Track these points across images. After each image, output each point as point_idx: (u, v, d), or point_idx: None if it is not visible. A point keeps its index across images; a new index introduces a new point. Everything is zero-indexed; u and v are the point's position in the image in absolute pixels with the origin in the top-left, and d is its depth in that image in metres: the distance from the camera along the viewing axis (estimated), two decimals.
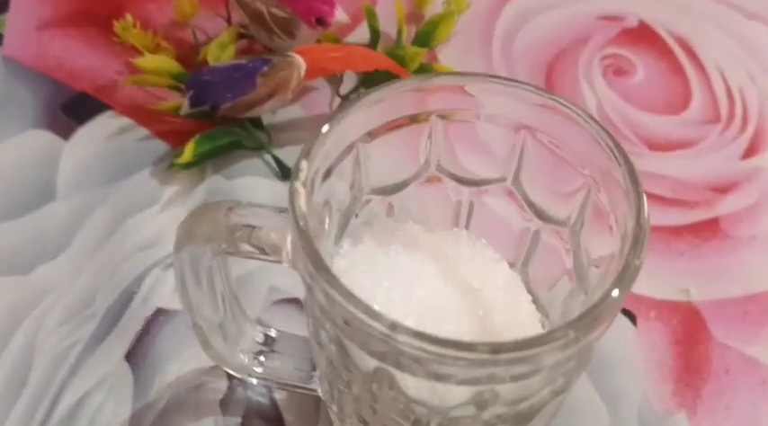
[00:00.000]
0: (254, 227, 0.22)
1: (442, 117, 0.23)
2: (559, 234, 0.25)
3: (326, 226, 0.23)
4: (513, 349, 0.18)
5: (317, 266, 0.19)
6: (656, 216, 0.37)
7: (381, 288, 0.22)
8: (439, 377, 0.18)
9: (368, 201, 0.25)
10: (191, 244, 0.23)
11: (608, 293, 0.19)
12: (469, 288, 0.24)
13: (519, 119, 0.23)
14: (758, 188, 0.38)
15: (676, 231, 0.36)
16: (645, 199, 0.21)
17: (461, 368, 0.18)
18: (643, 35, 0.43)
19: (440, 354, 0.17)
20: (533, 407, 0.21)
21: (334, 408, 0.24)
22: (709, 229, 0.36)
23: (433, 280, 0.23)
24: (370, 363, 0.20)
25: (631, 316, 0.33)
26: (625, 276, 0.19)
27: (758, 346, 0.33)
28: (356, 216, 0.25)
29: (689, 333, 0.33)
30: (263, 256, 0.22)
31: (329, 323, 0.19)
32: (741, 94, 0.41)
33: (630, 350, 0.33)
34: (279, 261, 0.22)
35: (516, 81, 0.22)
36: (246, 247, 0.22)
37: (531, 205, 0.25)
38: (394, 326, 0.18)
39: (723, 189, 0.38)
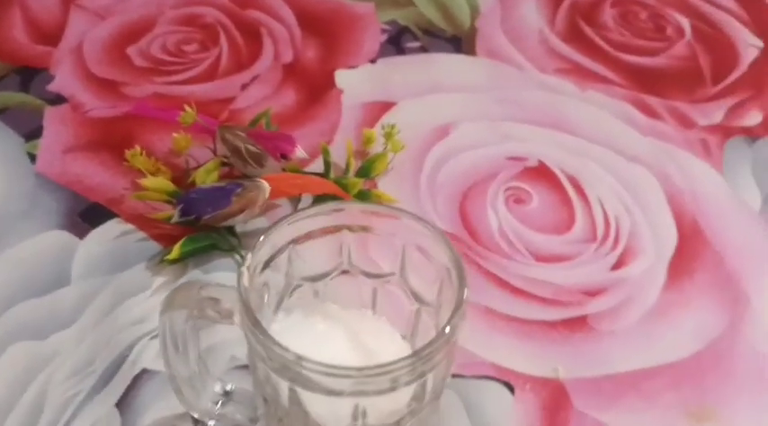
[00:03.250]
0: (216, 299, 0.33)
1: (349, 229, 0.34)
2: (430, 313, 0.35)
3: (266, 301, 0.34)
4: (373, 368, 0.28)
5: (253, 322, 0.29)
6: (536, 312, 0.47)
7: (302, 343, 0.32)
8: (330, 392, 0.28)
9: (299, 286, 0.35)
10: (170, 310, 0.33)
11: (443, 330, 0.29)
12: (366, 349, 0.34)
13: (400, 233, 0.34)
14: (622, 293, 0.49)
15: (552, 324, 0.47)
16: (466, 282, 0.31)
17: (342, 383, 0.28)
18: (541, 173, 0.55)
19: (327, 373, 0.27)
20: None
21: None
22: (578, 323, 0.47)
23: (338, 341, 0.34)
24: (286, 389, 0.30)
25: (510, 387, 0.43)
26: (451, 321, 0.30)
27: (610, 414, 0.43)
28: (290, 296, 0.35)
29: (555, 403, 0.43)
30: (221, 320, 0.33)
31: (261, 361, 0.29)
32: (616, 221, 0.53)
33: (507, 414, 0.42)
34: (231, 323, 0.32)
35: (401, 210, 0.34)
36: (210, 313, 0.33)
37: (412, 292, 0.35)
38: (299, 357, 0.28)
39: (593, 293, 0.48)
